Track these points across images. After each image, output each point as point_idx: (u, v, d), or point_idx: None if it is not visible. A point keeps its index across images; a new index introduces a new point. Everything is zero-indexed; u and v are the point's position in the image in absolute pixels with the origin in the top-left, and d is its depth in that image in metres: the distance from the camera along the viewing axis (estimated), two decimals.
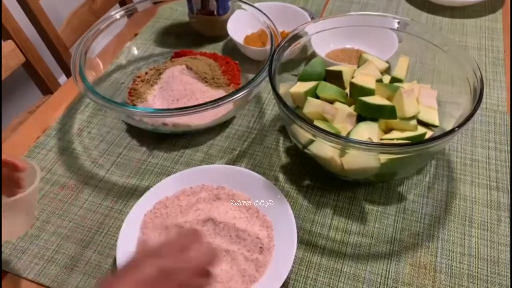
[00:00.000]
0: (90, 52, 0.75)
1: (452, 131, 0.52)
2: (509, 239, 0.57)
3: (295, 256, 0.53)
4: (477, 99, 0.55)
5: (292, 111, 0.56)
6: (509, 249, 0.56)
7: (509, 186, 0.63)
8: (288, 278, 0.54)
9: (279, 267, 0.53)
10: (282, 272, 0.52)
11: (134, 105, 0.74)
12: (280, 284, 0.51)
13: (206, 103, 0.61)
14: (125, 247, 0.56)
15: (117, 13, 0.80)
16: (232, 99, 0.62)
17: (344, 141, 0.53)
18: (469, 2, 0.96)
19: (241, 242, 0.56)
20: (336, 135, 0.53)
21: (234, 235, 0.56)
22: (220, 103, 0.61)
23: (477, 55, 0.85)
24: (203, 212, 0.59)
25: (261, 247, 0.55)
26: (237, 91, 0.63)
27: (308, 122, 0.54)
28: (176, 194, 0.62)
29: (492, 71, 0.82)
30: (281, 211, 0.58)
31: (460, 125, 0.52)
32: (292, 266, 0.55)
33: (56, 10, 1.35)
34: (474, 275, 0.54)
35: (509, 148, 0.68)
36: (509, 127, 0.71)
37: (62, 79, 1.32)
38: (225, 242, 0.56)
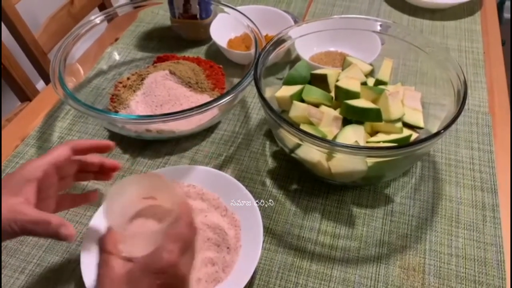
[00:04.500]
0: (70, 57, 0.73)
1: (438, 133, 0.52)
2: (494, 238, 0.58)
3: (284, 262, 0.52)
4: (461, 102, 0.55)
5: (279, 115, 0.55)
6: (495, 248, 0.57)
7: (493, 187, 0.64)
8: (253, 279, 0.54)
9: (244, 269, 0.53)
10: (247, 273, 0.52)
11: (116, 111, 0.72)
12: (243, 286, 0.51)
13: (191, 109, 0.60)
14: (91, 249, 0.54)
15: (97, 17, 0.78)
16: (218, 104, 0.61)
17: (331, 145, 0.53)
18: (448, 4, 0.97)
19: (212, 235, 0.56)
20: (323, 139, 0.53)
21: (205, 227, 0.57)
22: (206, 108, 0.60)
23: (458, 56, 0.87)
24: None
25: (228, 248, 0.55)
26: (223, 95, 0.62)
27: (295, 126, 0.54)
28: None
29: (473, 72, 0.83)
30: (249, 211, 0.58)
31: (446, 128, 0.52)
32: (257, 268, 0.55)
33: (33, 14, 1.32)
34: (462, 276, 0.54)
35: (492, 149, 0.69)
36: (491, 128, 0.72)
37: (40, 84, 1.29)
38: (199, 233, 0.56)
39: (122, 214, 0.44)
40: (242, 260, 0.55)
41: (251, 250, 0.54)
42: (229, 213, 0.59)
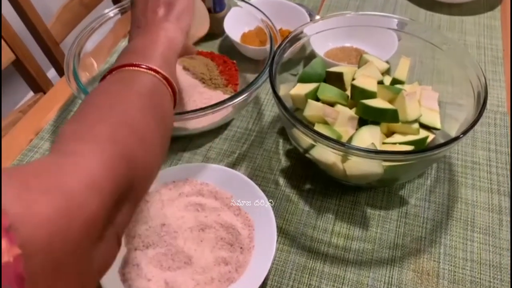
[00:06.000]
0: (83, 51, 0.72)
1: (456, 138, 0.51)
2: (510, 244, 0.57)
3: (297, 263, 0.52)
4: (481, 106, 0.54)
5: (294, 115, 0.55)
6: (511, 254, 0.56)
7: (510, 190, 0.63)
8: (266, 280, 0.54)
9: (257, 269, 0.53)
10: (260, 274, 0.52)
11: None
12: (256, 287, 0.51)
13: (206, 108, 0.59)
14: None
15: (110, 11, 0.77)
16: (233, 103, 0.60)
17: (347, 148, 0.52)
18: None
19: (225, 234, 0.57)
20: (338, 142, 0.52)
21: (218, 226, 0.57)
22: (221, 107, 0.60)
23: (476, 54, 0.85)
24: (187, 200, 0.59)
25: (241, 248, 0.55)
26: (237, 94, 0.61)
27: (310, 127, 0.53)
28: (156, 188, 0.61)
29: (491, 70, 0.81)
30: (262, 211, 0.57)
31: (465, 132, 0.51)
32: (270, 269, 0.54)
33: (45, 4, 1.32)
34: (477, 281, 0.54)
35: (509, 151, 0.67)
36: (509, 129, 0.71)
37: (51, 73, 1.29)
38: (212, 232, 0.56)
39: None
40: (255, 260, 0.55)
41: (264, 250, 0.54)
42: (242, 212, 0.59)
